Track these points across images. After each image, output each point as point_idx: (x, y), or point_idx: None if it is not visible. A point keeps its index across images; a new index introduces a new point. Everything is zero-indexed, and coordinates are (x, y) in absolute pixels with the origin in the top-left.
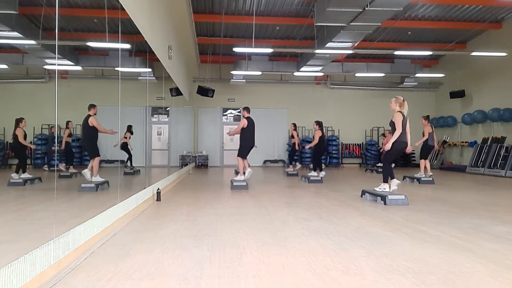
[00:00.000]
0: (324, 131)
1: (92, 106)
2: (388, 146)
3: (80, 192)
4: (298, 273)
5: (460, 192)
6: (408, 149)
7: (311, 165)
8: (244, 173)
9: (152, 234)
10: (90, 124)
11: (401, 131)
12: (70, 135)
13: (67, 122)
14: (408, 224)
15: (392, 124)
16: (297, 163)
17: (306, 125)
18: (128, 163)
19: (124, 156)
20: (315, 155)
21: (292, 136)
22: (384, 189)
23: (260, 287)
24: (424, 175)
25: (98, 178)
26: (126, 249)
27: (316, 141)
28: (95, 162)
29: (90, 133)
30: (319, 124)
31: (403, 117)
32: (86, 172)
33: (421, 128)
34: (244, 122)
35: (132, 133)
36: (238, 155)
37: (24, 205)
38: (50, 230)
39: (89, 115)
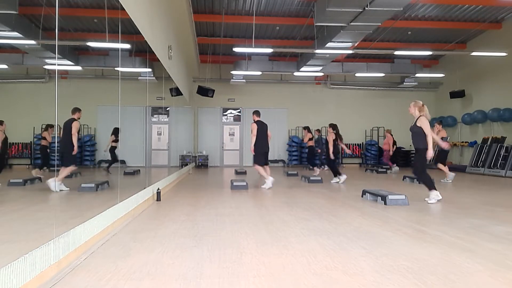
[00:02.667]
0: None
1: (76, 110)
2: (430, 154)
3: (80, 192)
4: (298, 273)
5: (460, 192)
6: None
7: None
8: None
9: (152, 234)
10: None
11: (431, 135)
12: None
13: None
14: (408, 224)
15: (418, 130)
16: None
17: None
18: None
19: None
20: (330, 159)
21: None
22: (437, 196)
23: (260, 287)
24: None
25: (62, 186)
26: (126, 249)
27: (331, 145)
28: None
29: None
30: (333, 127)
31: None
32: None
33: None
34: (253, 127)
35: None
36: (254, 162)
37: (24, 205)
38: (50, 230)
39: (73, 119)
